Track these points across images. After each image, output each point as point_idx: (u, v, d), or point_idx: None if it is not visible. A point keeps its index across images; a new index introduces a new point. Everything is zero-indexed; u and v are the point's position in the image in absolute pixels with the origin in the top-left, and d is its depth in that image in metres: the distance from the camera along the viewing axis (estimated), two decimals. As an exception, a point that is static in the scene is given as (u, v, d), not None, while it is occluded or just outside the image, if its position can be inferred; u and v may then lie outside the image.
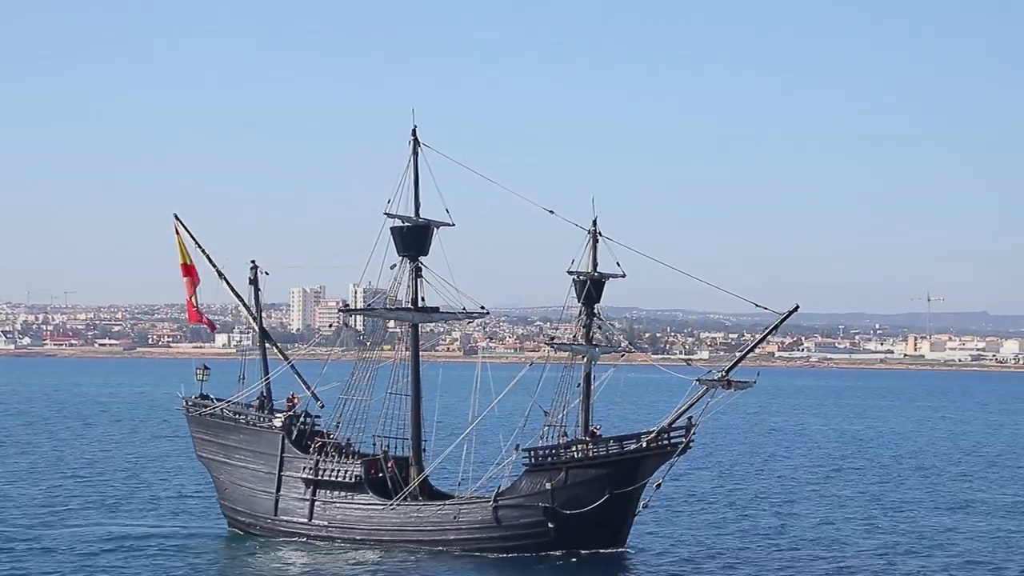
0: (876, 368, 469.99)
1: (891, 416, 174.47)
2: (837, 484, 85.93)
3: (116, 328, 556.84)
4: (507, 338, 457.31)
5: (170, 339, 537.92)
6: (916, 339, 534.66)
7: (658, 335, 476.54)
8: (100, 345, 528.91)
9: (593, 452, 56.30)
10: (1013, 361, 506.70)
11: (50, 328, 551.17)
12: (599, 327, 59.32)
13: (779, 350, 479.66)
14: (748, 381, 55.67)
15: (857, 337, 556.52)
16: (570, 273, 58.63)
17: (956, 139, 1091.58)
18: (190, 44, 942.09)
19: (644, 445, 55.83)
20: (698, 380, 55.36)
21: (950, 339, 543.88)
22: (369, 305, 62.47)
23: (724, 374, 55.49)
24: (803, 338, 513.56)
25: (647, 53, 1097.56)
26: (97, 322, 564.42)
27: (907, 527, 66.85)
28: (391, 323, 60.40)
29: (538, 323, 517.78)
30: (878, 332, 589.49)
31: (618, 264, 58.50)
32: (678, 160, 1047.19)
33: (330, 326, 61.57)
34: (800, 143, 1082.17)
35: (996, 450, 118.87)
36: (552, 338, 60.28)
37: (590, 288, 58.58)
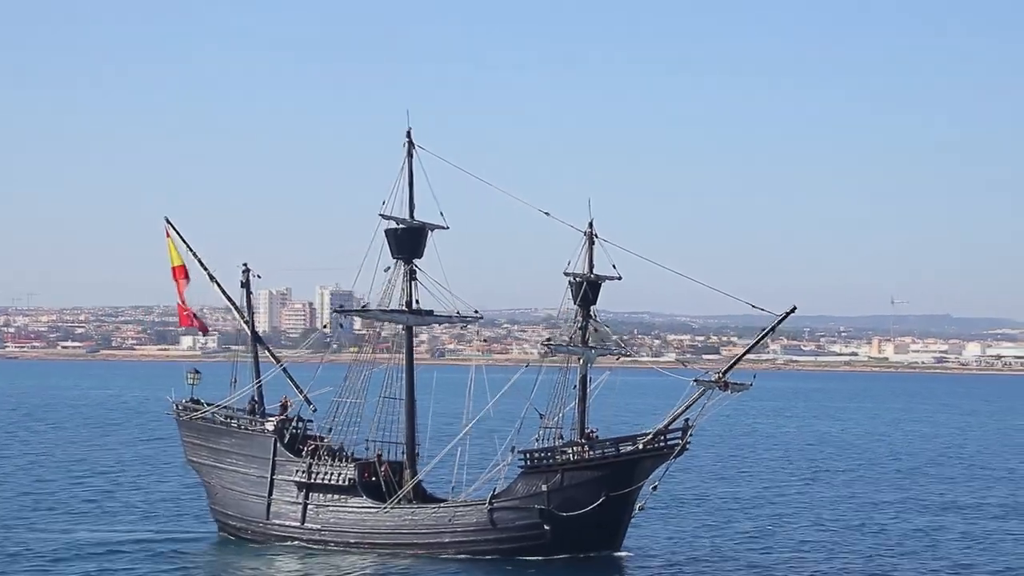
0: (841, 370, 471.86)
1: (863, 418, 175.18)
2: (823, 486, 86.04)
3: (79, 330, 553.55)
4: (474, 340, 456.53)
5: (135, 341, 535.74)
6: (880, 341, 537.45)
7: (625, 337, 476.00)
8: (63, 348, 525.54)
9: (589, 454, 56.00)
10: (975, 363, 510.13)
11: (12, 331, 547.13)
12: (595, 329, 59.00)
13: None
14: (745, 383, 55.45)
15: (822, 339, 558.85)
16: (566, 275, 58.31)
17: (919, 143, 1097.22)
18: (175, 40, 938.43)
19: (640, 447, 55.58)
20: (695, 381, 55.12)
21: (913, 341, 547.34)
22: (341, 306, 62.03)
23: (721, 376, 55.25)
24: (769, 340, 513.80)
25: (644, 54, 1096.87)
26: (60, 324, 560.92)
27: (897, 527, 66.93)
28: (357, 325, 60.07)
29: (505, 325, 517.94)
30: (843, 334, 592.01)
31: (614, 267, 58.26)
32: (649, 163, 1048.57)
33: (324, 326, 60.85)
34: (768, 148, 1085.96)
35: (970, 451, 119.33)
36: (548, 340, 59.85)
37: (586, 290, 58.25)
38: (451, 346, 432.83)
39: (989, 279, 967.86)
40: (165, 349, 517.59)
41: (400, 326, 59.98)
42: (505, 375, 58.51)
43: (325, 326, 61.01)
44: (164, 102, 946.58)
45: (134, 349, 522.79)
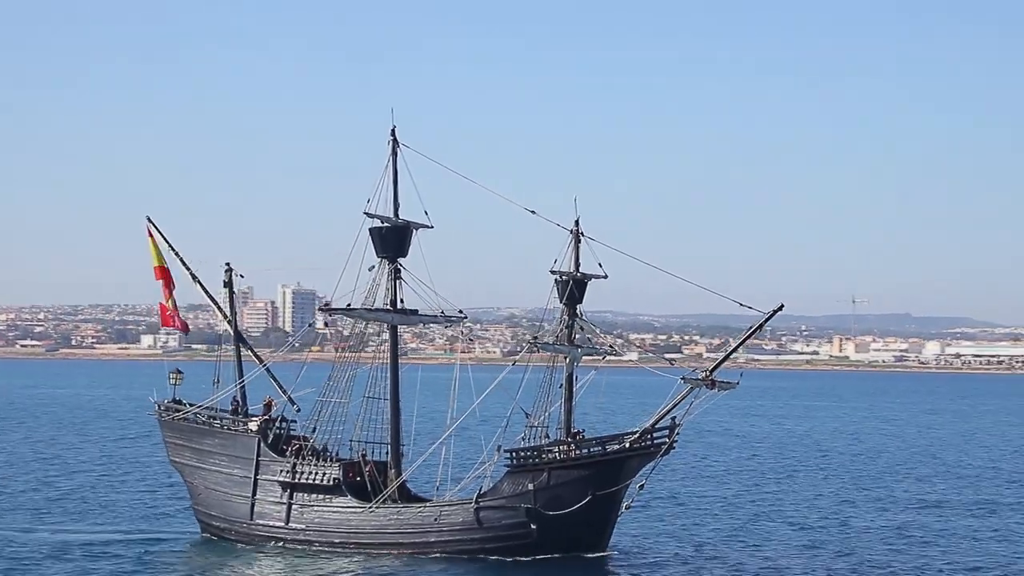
0: (802, 369, 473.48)
1: (831, 416, 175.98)
2: (802, 483, 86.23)
3: (38, 329, 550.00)
4: (436, 340, 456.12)
5: (94, 340, 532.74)
6: (841, 340, 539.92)
7: (588, 337, 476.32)
8: (21, 346, 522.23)
9: (575, 453, 55.82)
10: (935, 362, 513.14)
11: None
12: (581, 328, 58.83)
13: (707, 351, 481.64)
14: (732, 382, 55.47)
15: (783, 338, 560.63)
16: (553, 273, 58.12)
17: (879, 142, 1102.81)
18: (156, 39, 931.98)
19: (627, 446, 55.44)
20: (683, 379, 55.04)
21: (874, 340, 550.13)
22: (327, 304, 61.33)
23: (708, 374, 55.23)
24: (730, 339, 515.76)
25: (628, 54, 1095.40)
26: (18, 323, 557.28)
27: (882, 524, 67.08)
28: (320, 323, 59.77)
29: (468, 324, 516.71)
30: (804, 333, 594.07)
31: (600, 265, 58.12)
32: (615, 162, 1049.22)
33: (310, 325, 60.55)
34: (731, 145, 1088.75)
35: (938, 449, 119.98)
36: (535, 339, 59.60)
37: (572, 288, 58.06)
38: (412, 345, 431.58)
39: (948, 279, 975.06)
40: (125, 348, 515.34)
41: (367, 325, 59.64)
42: (478, 375, 58.49)
43: (310, 325, 60.20)
44: (134, 100, 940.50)
45: (94, 348, 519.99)
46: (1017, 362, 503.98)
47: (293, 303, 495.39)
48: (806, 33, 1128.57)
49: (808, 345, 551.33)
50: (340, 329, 60.21)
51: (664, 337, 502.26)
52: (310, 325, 60.71)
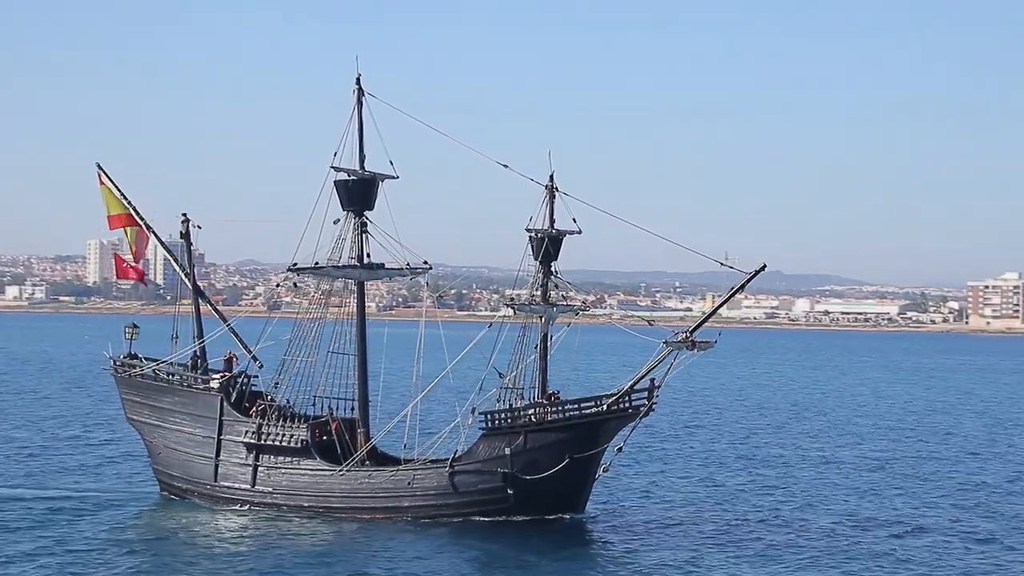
0: (676, 325, 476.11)
1: (714, 374, 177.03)
2: (755, 444, 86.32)
3: None
4: (312, 293, 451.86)
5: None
6: (714, 297, 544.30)
7: (464, 291, 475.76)
8: None
9: (552, 415, 54.50)
10: (804, 319, 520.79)
11: None
12: (555, 286, 57.43)
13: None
14: (710, 341, 54.60)
15: (658, 295, 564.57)
16: (528, 231, 56.61)
17: (753, 101, 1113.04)
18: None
19: (604, 408, 54.22)
20: (665, 342, 53.90)
21: (745, 297, 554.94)
22: (295, 264, 58.11)
23: (688, 335, 54.27)
24: (606, 296, 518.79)
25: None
26: None
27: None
28: (289, 284, 58.06)
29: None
30: (678, 290, 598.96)
31: (574, 220, 56.75)
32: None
33: (277, 286, 58.26)
34: (624, 104, 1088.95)
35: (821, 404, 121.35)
36: (511, 298, 58.05)
37: (547, 246, 56.60)
38: (287, 299, 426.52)
39: (817, 237, 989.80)
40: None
41: (334, 281, 57.76)
42: (448, 332, 57.16)
43: (277, 286, 57.24)
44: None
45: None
46: (883, 319, 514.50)
47: (165, 256, 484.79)
48: None
49: (682, 302, 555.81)
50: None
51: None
52: (277, 286, 58.05)
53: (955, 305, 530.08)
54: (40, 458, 70.95)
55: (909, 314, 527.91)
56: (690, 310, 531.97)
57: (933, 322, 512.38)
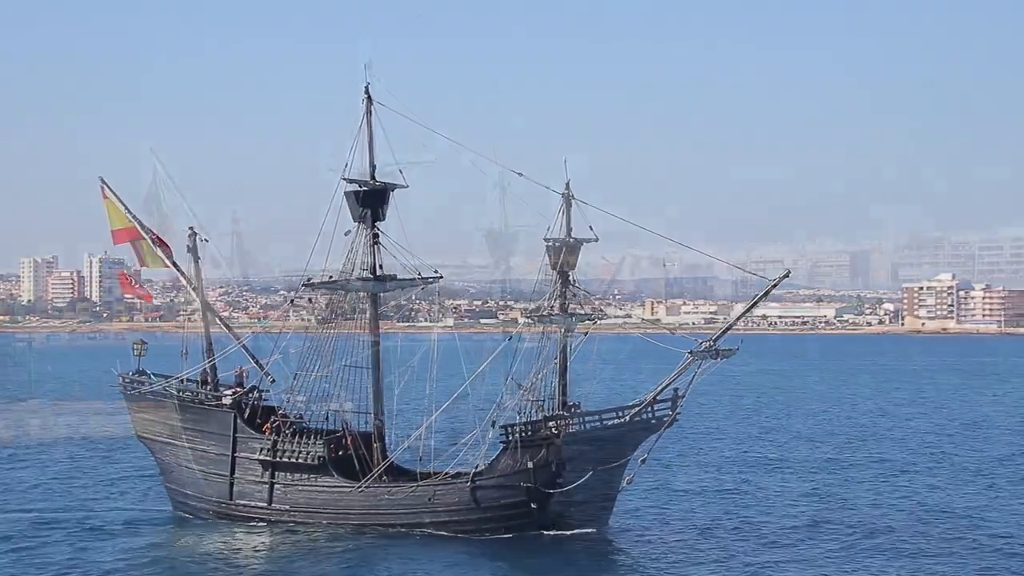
0: (619, 332, 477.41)
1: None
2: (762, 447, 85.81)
3: None
4: (249, 308, 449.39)
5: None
6: (653, 303, 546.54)
7: (403, 303, 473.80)
8: None
9: (574, 427, 53.66)
10: (742, 323, 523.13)
11: None
12: (574, 295, 56.64)
13: (522, 316, 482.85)
14: (733, 349, 54.05)
15: (598, 301, 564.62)
16: (545, 241, 55.77)
17: (673, 99, 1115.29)
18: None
19: (628, 419, 53.44)
20: (690, 353, 53.22)
21: (684, 303, 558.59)
22: (309, 280, 56.52)
23: (712, 343, 53.72)
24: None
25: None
26: None
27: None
28: (304, 300, 57.16)
29: (282, 292, 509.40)
30: (617, 297, 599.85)
31: (591, 228, 55.99)
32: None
33: (291, 302, 57.15)
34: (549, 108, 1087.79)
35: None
36: (531, 311, 57.09)
37: (565, 255, 55.77)
38: (226, 313, 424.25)
39: (751, 243, 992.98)
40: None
41: (347, 295, 56.77)
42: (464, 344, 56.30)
43: (291, 302, 55.82)
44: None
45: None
46: (820, 322, 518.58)
47: (100, 272, 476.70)
48: None
49: (622, 308, 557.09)
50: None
51: (479, 303, 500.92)
52: (291, 302, 57.02)
53: (891, 307, 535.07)
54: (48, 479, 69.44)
55: (846, 317, 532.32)
56: (629, 316, 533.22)
57: (869, 324, 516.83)
